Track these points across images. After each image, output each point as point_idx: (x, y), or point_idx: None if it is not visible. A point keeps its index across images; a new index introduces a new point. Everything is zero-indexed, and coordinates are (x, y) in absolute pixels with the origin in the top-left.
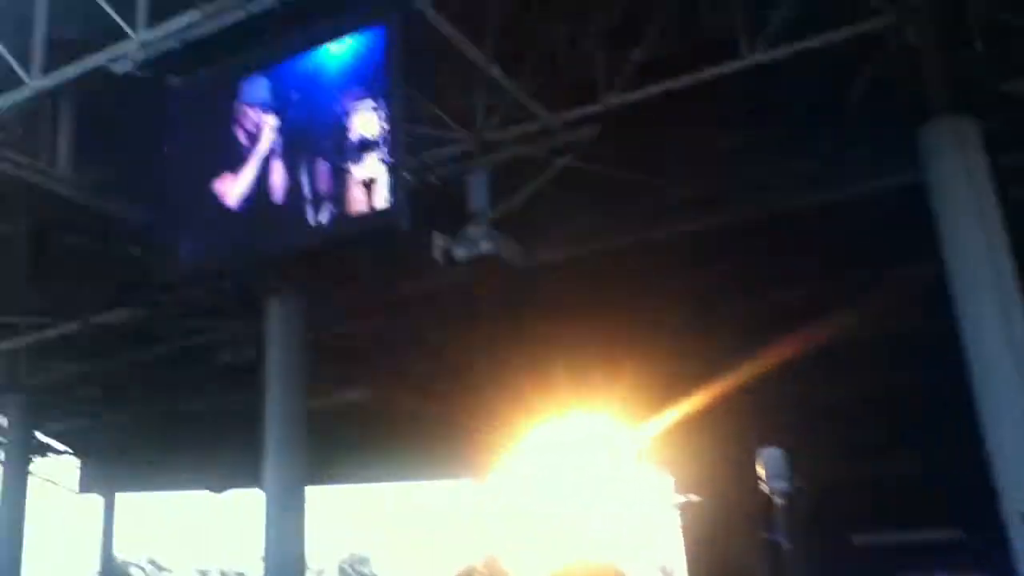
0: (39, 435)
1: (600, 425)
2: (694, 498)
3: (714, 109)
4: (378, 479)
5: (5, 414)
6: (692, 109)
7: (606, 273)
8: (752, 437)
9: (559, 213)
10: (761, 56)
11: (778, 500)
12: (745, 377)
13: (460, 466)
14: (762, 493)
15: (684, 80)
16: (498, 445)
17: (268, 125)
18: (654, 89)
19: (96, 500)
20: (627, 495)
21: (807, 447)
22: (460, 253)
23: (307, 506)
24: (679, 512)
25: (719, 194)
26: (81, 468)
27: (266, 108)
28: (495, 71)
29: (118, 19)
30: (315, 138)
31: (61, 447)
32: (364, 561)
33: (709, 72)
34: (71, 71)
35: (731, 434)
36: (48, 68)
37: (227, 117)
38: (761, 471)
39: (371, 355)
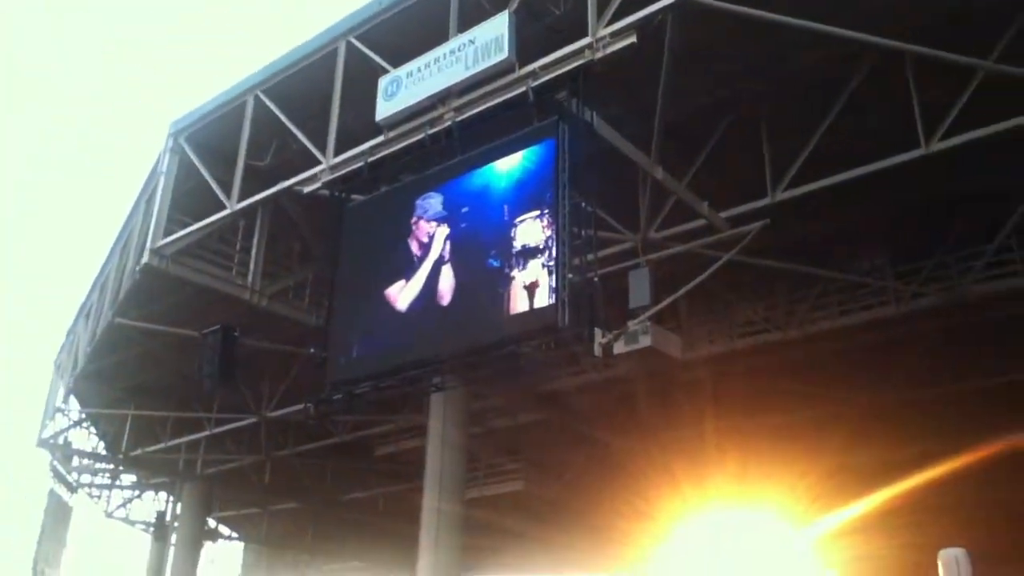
0: (210, 521)
1: (763, 521)
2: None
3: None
4: (532, 570)
5: (181, 501)
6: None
7: (768, 366)
8: (931, 540)
9: (720, 307)
10: (940, 145)
11: None
12: (924, 476)
13: (612, 559)
14: None
15: (858, 171)
16: (653, 539)
17: (440, 235)
18: (825, 182)
19: None
20: None
21: (989, 550)
22: (620, 347)
23: None
24: None
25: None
26: (245, 553)
27: (439, 220)
28: (660, 173)
29: (311, 146)
30: (482, 247)
31: (229, 533)
32: None
33: (888, 162)
34: (265, 194)
35: (907, 537)
36: (246, 192)
37: (403, 229)
38: (943, 572)
39: (527, 448)
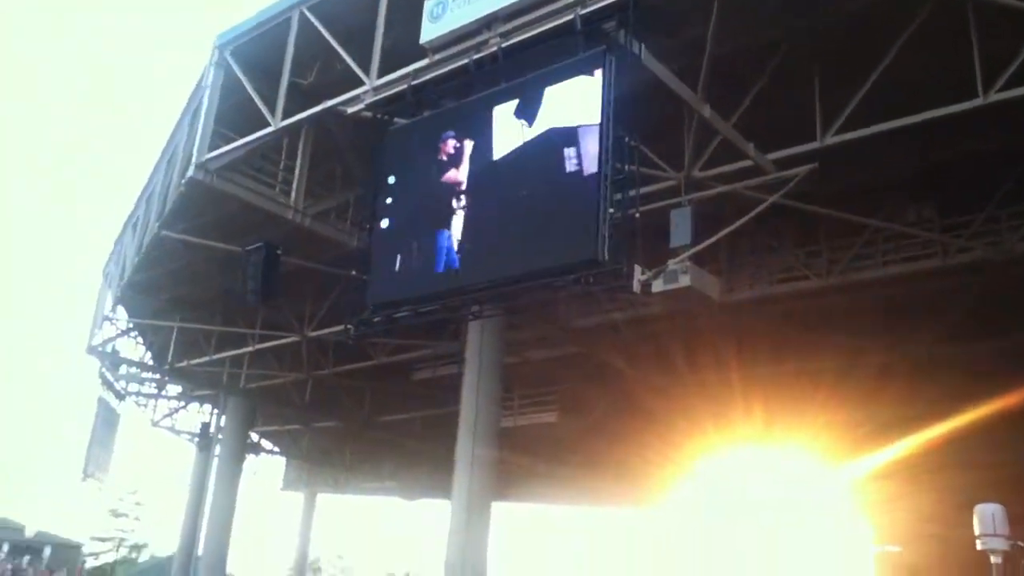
0: (252, 435)
1: (799, 463)
2: (893, 549)
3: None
4: (559, 501)
5: (225, 414)
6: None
7: (803, 313)
8: (966, 492)
9: (761, 251)
10: (998, 96)
11: (994, 558)
12: (962, 429)
13: (637, 496)
14: (973, 549)
15: (911, 119)
16: (676, 477)
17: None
18: (876, 128)
19: (297, 498)
20: (820, 537)
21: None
22: (659, 286)
23: (492, 520)
24: (875, 562)
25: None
26: (286, 468)
27: (476, 149)
28: (707, 111)
29: (354, 66)
30: (523, 176)
31: (271, 447)
32: None
33: (943, 111)
34: (308, 113)
35: (943, 487)
36: (289, 111)
37: (435, 157)
38: (978, 527)
39: (561, 382)
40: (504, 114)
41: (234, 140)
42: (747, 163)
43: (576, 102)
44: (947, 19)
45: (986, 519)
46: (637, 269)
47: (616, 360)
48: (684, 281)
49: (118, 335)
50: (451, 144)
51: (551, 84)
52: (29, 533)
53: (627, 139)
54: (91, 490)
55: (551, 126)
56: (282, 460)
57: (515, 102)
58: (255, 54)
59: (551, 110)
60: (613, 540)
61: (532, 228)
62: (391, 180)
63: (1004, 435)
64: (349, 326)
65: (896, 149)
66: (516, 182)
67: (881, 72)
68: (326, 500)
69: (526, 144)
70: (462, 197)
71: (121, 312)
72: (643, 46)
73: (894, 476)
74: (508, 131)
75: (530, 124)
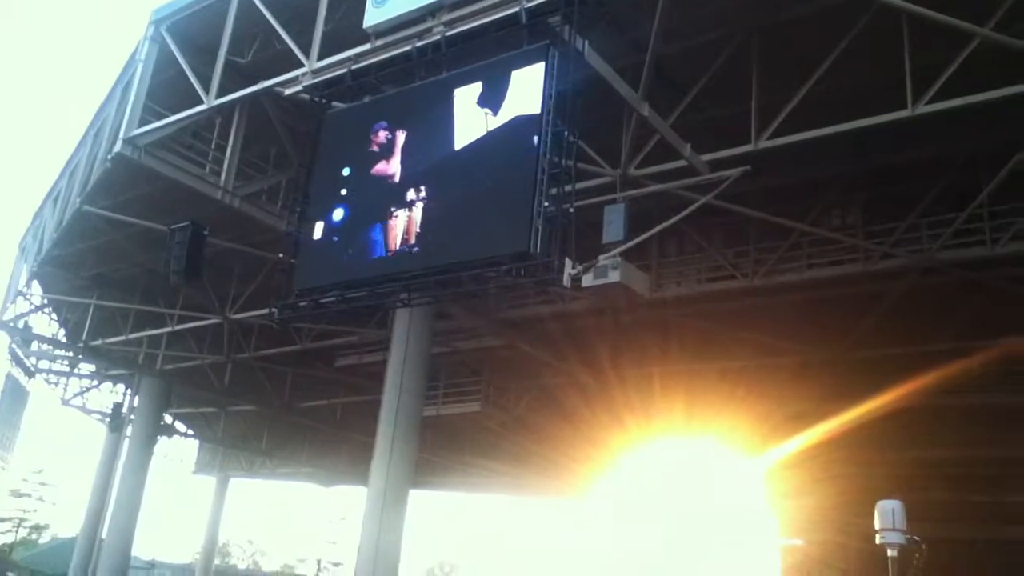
0: (166, 417)
1: (710, 454)
2: (797, 543)
3: (865, 158)
4: (478, 490)
5: (139, 394)
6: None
7: (728, 312)
8: (869, 486)
9: (691, 250)
10: (926, 109)
11: (891, 551)
12: (868, 426)
13: (560, 486)
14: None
15: (843, 127)
16: (600, 469)
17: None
18: (809, 135)
19: (209, 481)
20: (728, 528)
21: (921, 503)
22: (589, 280)
23: (408, 509)
24: (781, 554)
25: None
26: (199, 451)
27: (410, 139)
28: (646, 110)
29: (294, 46)
30: (458, 166)
31: (184, 430)
32: (454, 568)
33: (873, 120)
34: (244, 92)
35: (847, 481)
36: (225, 89)
37: (367, 144)
38: (878, 522)
39: (487, 373)
40: (461, 101)
41: (166, 116)
42: (682, 163)
43: (512, 100)
44: (882, 32)
45: (886, 514)
46: (568, 263)
47: (542, 353)
48: (614, 276)
49: (31, 311)
50: (383, 135)
51: (492, 76)
52: None
53: (567, 134)
54: None
55: (514, 115)
56: (195, 443)
57: (455, 91)
58: (192, 30)
59: (488, 104)
60: (532, 529)
61: (467, 218)
62: (324, 164)
63: (907, 434)
64: (274, 309)
65: (827, 156)
66: (468, 172)
67: (818, 80)
68: (239, 485)
69: (458, 138)
70: (394, 186)
71: (35, 287)
72: (587, 43)
73: (800, 467)
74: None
75: (467, 116)
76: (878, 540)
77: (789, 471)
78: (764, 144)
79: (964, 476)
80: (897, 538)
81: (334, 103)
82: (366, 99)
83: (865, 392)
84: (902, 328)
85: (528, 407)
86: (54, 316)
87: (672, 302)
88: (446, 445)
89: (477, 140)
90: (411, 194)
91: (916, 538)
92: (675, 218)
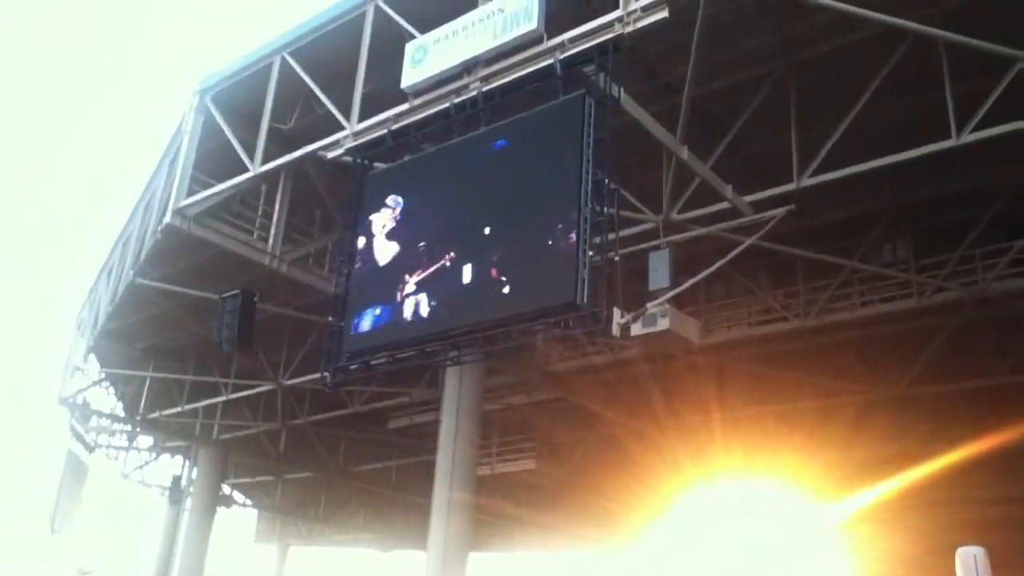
0: (224, 487)
1: (780, 505)
2: None
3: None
4: (541, 548)
5: (197, 465)
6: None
7: (782, 354)
8: (941, 533)
9: (738, 292)
10: (971, 137)
11: None
12: (938, 470)
13: (620, 537)
14: None
15: (886, 160)
16: (653, 520)
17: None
18: (852, 170)
19: (269, 551)
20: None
21: (1004, 546)
22: (638, 329)
23: (469, 570)
24: None
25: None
26: (258, 520)
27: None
28: (685, 153)
29: (334, 110)
30: (502, 217)
31: (243, 500)
32: None
33: (917, 152)
34: (288, 158)
35: (919, 528)
36: (269, 155)
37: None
38: (960, 570)
39: (540, 427)
40: (500, 154)
41: (213, 185)
42: (724, 205)
43: (552, 149)
44: (921, 61)
45: (968, 562)
46: (616, 312)
47: (595, 404)
48: (663, 324)
49: (89, 385)
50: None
51: (531, 127)
52: None
53: (607, 182)
54: (59, 545)
55: (528, 172)
56: (254, 512)
57: (495, 143)
58: (236, 99)
59: (530, 155)
60: None
61: (512, 272)
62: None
63: (978, 476)
64: (326, 373)
65: (872, 189)
66: (511, 225)
67: (857, 113)
68: (300, 553)
69: (503, 190)
70: (438, 242)
71: (92, 361)
72: (622, 89)
73: (872, 518)
74: (487, 177)
75: (508, 167)
76: None
77: (861, 522)
78: (807, 182)
79: None
80: None
81: (376, 164)
82: (406, 158)
83: (932, 434)
84: (959, 363)
85: (586, 456)
86: (111, 390)
87: (724, 347)
88: (502, 504)
89: (517, 192)
90: (456, 250)
91: None
92: (721, 261)
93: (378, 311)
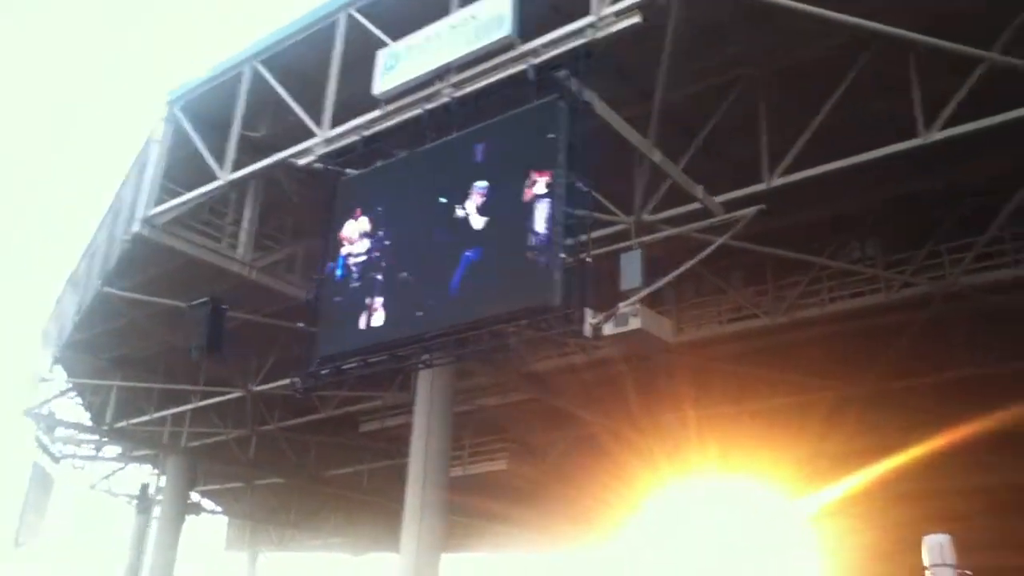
0: (193, 495)
1: (754, 501)
2: None
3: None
4: (512, 549)
5: (165, 474)
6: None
7: (753, 352)
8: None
9: (709, 291)
10: (938, 135)
11: None
12: (906, 463)
13: (591, 539)
14: None
15: (855, 159)
16: (630, 517)
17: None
18: (821, 169)
19: (240, 558)
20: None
21: (971, 535)
22: (610, 329)
23: (442, 572)
24: None
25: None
26: (229, 527)
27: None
28: (657, 156)
29: (305, 117)
30: (471, 223)
31: (212, 507)
32: None
33: (885, 151)
34: (258, 165)
35: (888, 522)
36: (240, 163)
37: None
38: (926, 558)
39: (513, 428)
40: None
41: (182, 193)
42: (695, 205)
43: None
44: (891, 61)
45: (934, 550)
46: (588, 313)
47: (572, 404)
48: (635, 324)
49: (55, 396)
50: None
51: (503, 132)
52: None
53: (580, 185)
54: (22, 558)
55: (500, 174)
56: (224, 520)
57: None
58: (205, 108)
59: (501, 157)
60: None
61: (484, 275)
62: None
63: (947, 467)
64: (296, 379)
65: (841, 189)
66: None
67: (827, 113)
68: (270, 559)
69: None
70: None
71: (58, 372)
72: (596, 95)
73: (842, 512)
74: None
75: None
76: None
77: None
78: (777, 182)
79: (1012, 502)
80: (947, 573)
81: (347, 170)
82: (378, 163)
83: (901, 428)
84: (929, 358)
85: (561, 456)
86: (78, 400)
87: (695, 345)
88: (476, 505)
89: (489, 196)
90: (428, 254)
91: (968, 573)
92: (692, 261)
93: (351, 316)
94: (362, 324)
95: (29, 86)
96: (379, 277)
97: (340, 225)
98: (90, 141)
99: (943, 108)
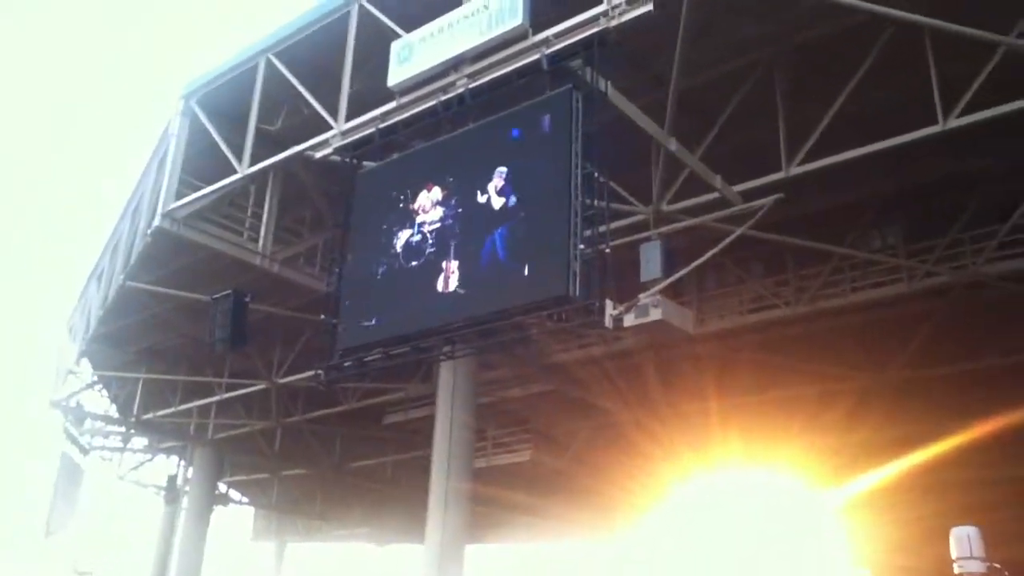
0: (220, 486)
1: (779, 491)
2: (864, 572)
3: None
4: (536, 540)
5: (192, 465)
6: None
7: (775, 342)
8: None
9: (730, 282)
10: (957, 122)
11: None
12: (932, 455)
13: (615, 530)
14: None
15: (874, 147)
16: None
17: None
18: (840, 157)
19: (267, 548)
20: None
21: (999, 527)
22: (631, 320)
23: (466, 563)
24: None
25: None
26: (255, 518)
27: (444, 191)
28: (673, 145)
29: (321, 110)
30: (491, 215)
31: (239, 498)
32: None
33: (905, 138)
34: (276, 158)
35: (912, 514)
36: (257, 157)
37: (399, 200)
38: (954, 550)
39: (535, 419)
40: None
41: (201, 188)
42: (714, 195)
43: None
44: (909, 46)
45: (962, 542)
46: (608, 304)
47: (594, 395)
48: (655, 315)
49: (82, 388)
50: (413, 191)
51: (517, 123)
52: None
53: (596, 175)
54: (54, 548)
55: (517, 168)
56: (251, 510)
57: (482, 142)
58: (222, 101)
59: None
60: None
61: (505, 266)
62: (359, 223)
63: (974, 458)
64: (319, 371)
65: (860, 176)
66: (502, 220)
67: (844, 100)
68: (298, 550)
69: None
70: (430, 239)
71: (85, 365)
72: (609, 83)
73: (868, 504)
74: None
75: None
76: (956, 569)
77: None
78: (796, 170)
79: None
80: (976, 566)
81: (365, 162)
82: (395, 156)
83: (926, 419)
84: (953, 347)
85: (583, 446)
86: (104, 392)
87: (721, 336)
88: (499, 496)
89: (508, 187)
90: (447, 247)
91: (997, 565)
92: (712, 251)
93: (373, 308)
94: (385, 316)
95: (29, 86)
96: (400, 269)
97: (358, 218)
98: (90, 141)
99: (962, 93)
